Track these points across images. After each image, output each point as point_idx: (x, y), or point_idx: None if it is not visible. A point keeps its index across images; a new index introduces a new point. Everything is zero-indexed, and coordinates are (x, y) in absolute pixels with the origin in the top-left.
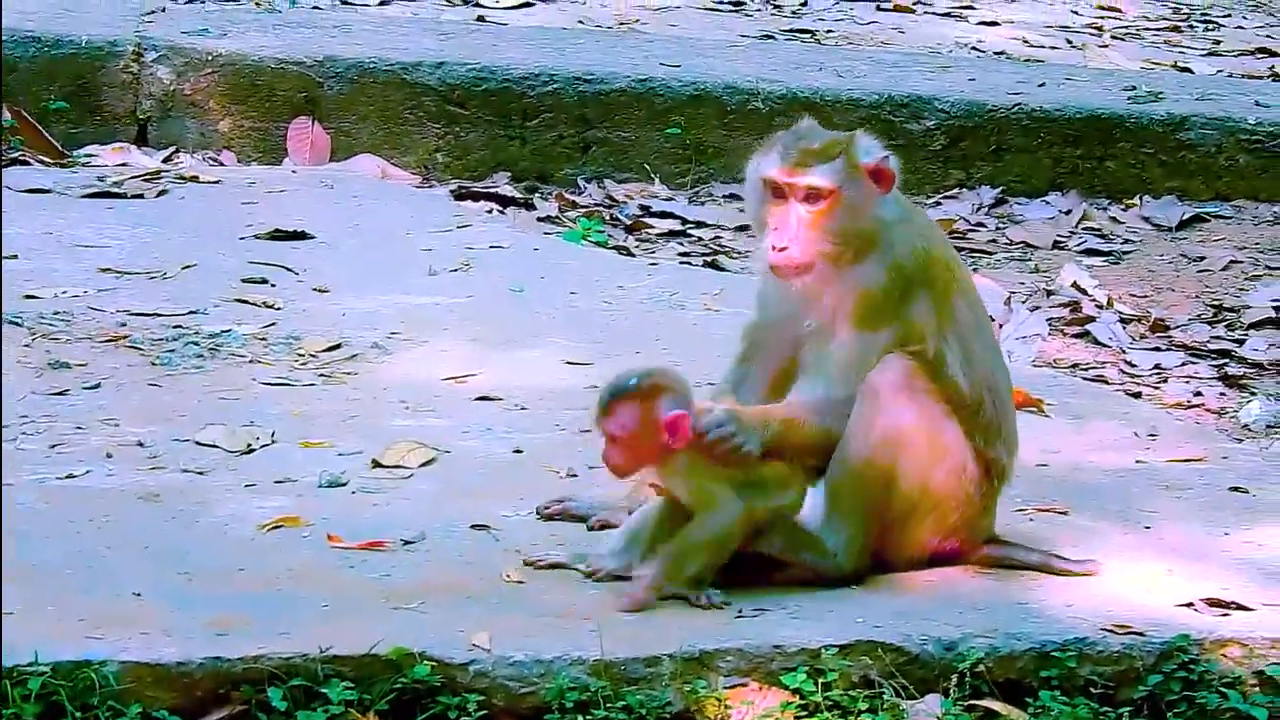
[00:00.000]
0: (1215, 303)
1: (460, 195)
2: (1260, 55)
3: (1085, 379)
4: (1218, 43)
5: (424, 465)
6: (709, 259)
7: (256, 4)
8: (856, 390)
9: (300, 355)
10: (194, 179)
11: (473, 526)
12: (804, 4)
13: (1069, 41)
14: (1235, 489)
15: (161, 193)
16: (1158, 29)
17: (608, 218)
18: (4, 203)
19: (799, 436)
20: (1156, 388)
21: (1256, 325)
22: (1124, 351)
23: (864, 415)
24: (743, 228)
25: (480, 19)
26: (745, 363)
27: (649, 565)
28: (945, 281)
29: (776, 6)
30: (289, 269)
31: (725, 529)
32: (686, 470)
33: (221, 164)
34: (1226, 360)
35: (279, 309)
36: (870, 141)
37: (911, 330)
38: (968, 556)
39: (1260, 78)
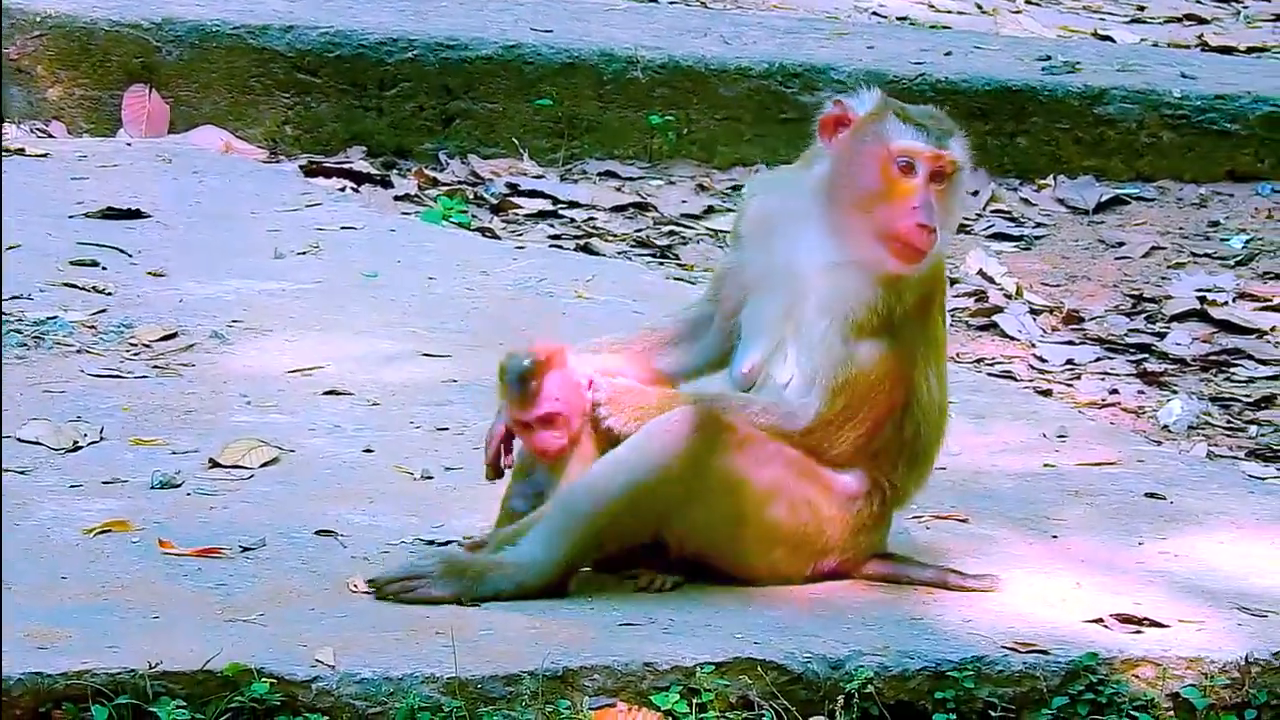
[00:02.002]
0: (1134, 293)
1: (310, 171)
2: (1188, 22)
3: (990, 375)
4: (1142, 8)
5: (265, 465)
6: (581, 242)
7: None
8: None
9: (133, 345)
10: (19, 152)
11: (317, 532)
12: None
13: (979, 6)
14: (1151, 495)
15: None
16: None
17: (471, 196)
18: None
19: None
20: (1068, 385)
21: (1179, 318)
22: (1034, 345)
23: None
24: (619, 208)
25: None
26: (713, 302)
27: None
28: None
29: None
30: (122, 251)
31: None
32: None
33: (50, 135)
34: (1145, 355)
35: (110, 294)
36: None
37: (900, 352)
38: (851, 575)
39: (1187, 47)
